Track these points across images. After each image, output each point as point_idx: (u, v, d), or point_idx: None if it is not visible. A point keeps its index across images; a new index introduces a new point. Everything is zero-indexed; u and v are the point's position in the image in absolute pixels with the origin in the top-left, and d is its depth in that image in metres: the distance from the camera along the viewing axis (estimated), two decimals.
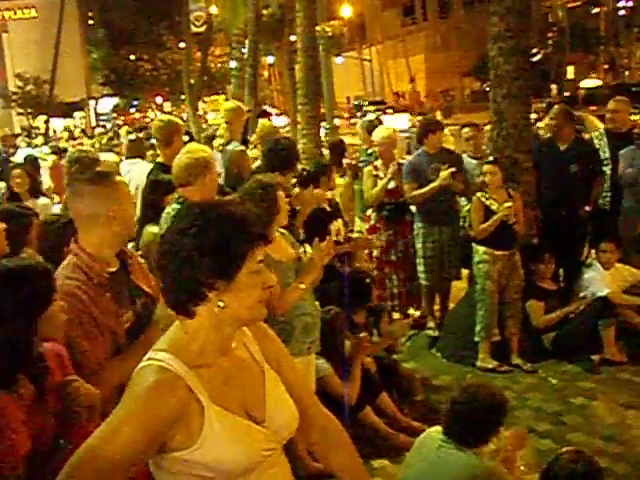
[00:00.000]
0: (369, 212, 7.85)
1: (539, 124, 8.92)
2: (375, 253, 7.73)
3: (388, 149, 7.72)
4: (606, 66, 58.37)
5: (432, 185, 7.12)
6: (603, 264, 7.14)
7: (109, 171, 3.29)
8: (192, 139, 9.95)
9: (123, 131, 23.06)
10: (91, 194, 3.09)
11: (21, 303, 2.56)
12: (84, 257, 3.07)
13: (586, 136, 8.32)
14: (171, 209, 4.49)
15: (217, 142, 8.68)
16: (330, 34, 24.70)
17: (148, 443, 1.96)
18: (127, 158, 8.32)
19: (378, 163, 7.70)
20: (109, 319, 3.05)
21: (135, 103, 66.11)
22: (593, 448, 5.11)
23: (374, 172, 7.61)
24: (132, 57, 54.72)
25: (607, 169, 7.84)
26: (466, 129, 8.06)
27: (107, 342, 3.04)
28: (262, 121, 9.35)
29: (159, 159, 6.28)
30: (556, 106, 7.98)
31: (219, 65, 56.58)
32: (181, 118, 16.16)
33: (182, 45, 39.08)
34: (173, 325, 2.12)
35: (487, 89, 14.37)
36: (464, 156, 7.79)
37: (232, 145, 7.05)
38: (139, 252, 4.20)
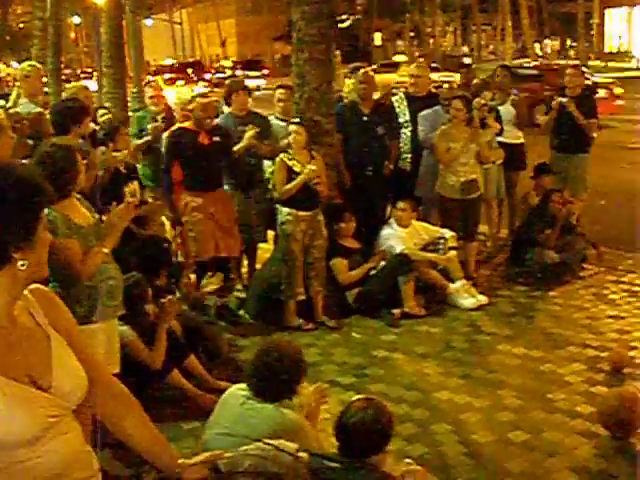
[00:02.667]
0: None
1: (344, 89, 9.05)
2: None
3: (186, 113, 7.58)
4: (412, 34, 60.41)
5: (238, 146, 7.09)
6: (399, 222, 7.46)
7: None
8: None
9: None
10: None
11: None
12: None
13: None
14: None
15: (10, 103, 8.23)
16: None
17: None
18: None
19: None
20: None
21: None
22: (394, 396, 5.40)
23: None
24: None
25: (407, 131, 8.19)
26: (280, 90, 8.00)
27: None
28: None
29: None
30: (362, 70, 8.16)
31: (22, 25, 53.75)
32: None
33: None
34: None
35: None
36: (272, 118, 7.81)
37: (25, 107, 6.73)
38: None
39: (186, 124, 7.05)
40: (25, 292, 2.15)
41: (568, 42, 60.93)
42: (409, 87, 8.47)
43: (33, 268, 2.05)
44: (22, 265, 2.01)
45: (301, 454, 3.11)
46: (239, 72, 48.49)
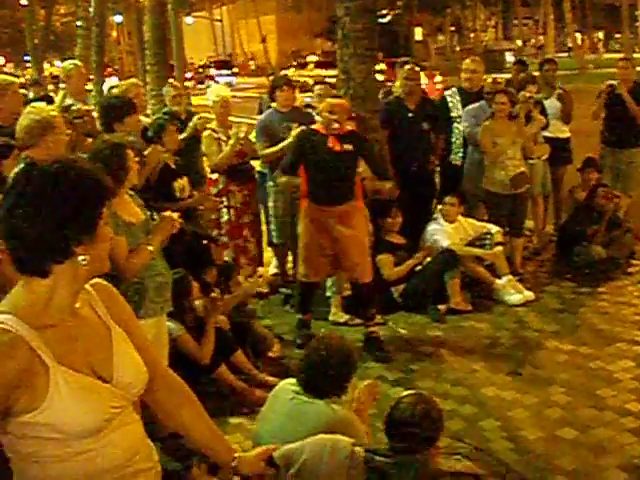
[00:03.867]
0: (215, 176, 7.57)
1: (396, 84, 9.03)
2: (226, 217, 7.47)
3: (224, 110, 7.49)
4: (452, 28, 60.00)
5: (284, 143, 7.03)
6: (446, 217, 7.44)
7: None
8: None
9: None
10: None
11: None
12: None
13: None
14: (18, 170, 4.32)
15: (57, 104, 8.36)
16: None
17: None
18: None
19: (215, 125, 7.45)
20: None
21: None
22: (441, 392, 5.38)
23: (215, 135, 7.32)
24: None
25: (460, 126, 8.15)
26: (319, 86, 7.99)
27: None
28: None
29: None
30: (408, 66, 8.14)
31: (65, 24, 54.39)
32: (24, 84, 15.41)
33: (24, 2, 37.32)
34: (17, 286, 2.08)
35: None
36: (314, 114, 7.82)
37: (67, 102, 6.80)
38: None
39: (317, 125, 6.42)
40: (86, 286, 2.19)
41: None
42: (463, 82, 8.41)
43: (94, 263, 2.08)
44: (83, 260, 2.04)
45: (357, 449, 3.13)
46: (214, 71, 53.79)
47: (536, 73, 9.43)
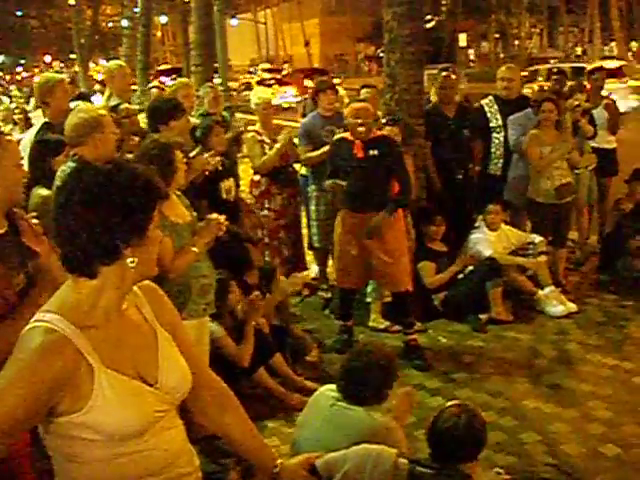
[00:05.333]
0: (257, 177, 7.56)
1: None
2: (267, 219, 7.50)
3: (267, 112, 7.53)
4: (497, 35, 59.59)
5: (325, 148, 6.98)
6: (489, 225, 7.37)
7: None
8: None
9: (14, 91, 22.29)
10: None
11: None
12: None
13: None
14: (67, 167, 4.35)
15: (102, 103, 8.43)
16: None
17: (35, 407, 1.92)
18: None
19: (258, 127, 7.46)
20: None
21: (22, 62, 63.77)
22: (480, 403, 5.31)
23: (258, 137, 7.32)
24: (18, 13, 52.55)
25: (499, 136, 8.04)
26: (365, 89, 7.94)
27: None
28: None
29: (45, 118, 6.08)
30: (443, 73, 8.09)
31: (111, 24, 54.99)
32: (72, 80, 15.58)
33: (71, 2, 37.78)
34: (64, 285, 2.07)
35: (381, 54, 14.48)
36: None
37: (112, 102, 6.85)
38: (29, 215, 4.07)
39: (347, 134, 6.29)
40: (134, 287, 2.18)
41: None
42: (500, 90, 8.30)
43: (142, 266, 2.07)
44: (131, 262, 2.03)
45: (401, 460, 3.09)
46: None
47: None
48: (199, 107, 7.83)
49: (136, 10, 24.27)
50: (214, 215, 4.39)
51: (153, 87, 9.70)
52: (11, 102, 15.98)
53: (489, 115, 8.11)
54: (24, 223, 3.18)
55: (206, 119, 6.30)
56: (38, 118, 7.05)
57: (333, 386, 3.85)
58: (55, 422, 1.98)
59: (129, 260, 2.02)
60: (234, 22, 60.49)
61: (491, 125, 8.06)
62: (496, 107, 8.14)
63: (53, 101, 5.77)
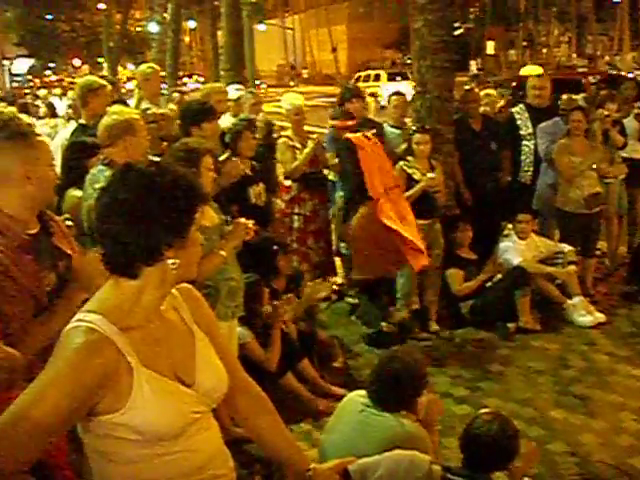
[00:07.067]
0: (288, 182, 7.60)
1: None
2: (297, 224, 7.52)
3: (299, 118, 7.53)
4: (525, 43, 59.32)
5: None
6: (518, 234, 7.33)
7: (28, 130, 3.16)
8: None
9: (43, 94, 22.47)
10: (6, 152, 2.98)
11: None
12: (1, 218, 2.98)
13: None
14: (96, 170, 4.39)
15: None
16: (254, 0, 24.43)
17: (76, 406, 1.93)
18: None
19: (290, 133, 7.48)
20: (30, 282, 2.97)
21: (52, 65, 64.34)
22: (507, 412, 5.25)
23: (290, 142, 7.35)
24: (49, 17, 53.06)
25: (530, 144, 8.01)
26: (395, 97, 8.01)
27: (28, 305, 2.97)
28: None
29: (80, 120, 6.16)
30: (466, 87, 8.09)
31: (139, 29, 55.38)
32: (113, 84, 15.73)
33: (101, 6, 38.11)
34: (106, 285, 2.09)
35: (408, 61, 14.42)
36: (385, 126, 7.81)
37: (143, 106, 6.90)
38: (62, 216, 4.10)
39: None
40: (172, 289, 2.20)
41: None
42: (531, 98, 8.27)
43: (183, 267, 2.09)
44: (172, 264, 2.05)
45: (434, 467, 3.09)
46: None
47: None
48: (231, 111, 7.83)
49: (165, 15, 24.41)
50: (242, 219, 4.40)
51: (175, 91, 9.77)
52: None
53: (519, 123, 8.08)
54: (55, 224, 3.21)
55: (236, 124, 6.31)
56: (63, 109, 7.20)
57: (363, 392, 3.84)
58: (94, 421, 2.00)
59: (170, 261, 2.05)
60: (262, 28, 60.69)
61: (521, 133, 8.04)
62: (527, 115, 8.11)
63: (93, 102, 5.85)
